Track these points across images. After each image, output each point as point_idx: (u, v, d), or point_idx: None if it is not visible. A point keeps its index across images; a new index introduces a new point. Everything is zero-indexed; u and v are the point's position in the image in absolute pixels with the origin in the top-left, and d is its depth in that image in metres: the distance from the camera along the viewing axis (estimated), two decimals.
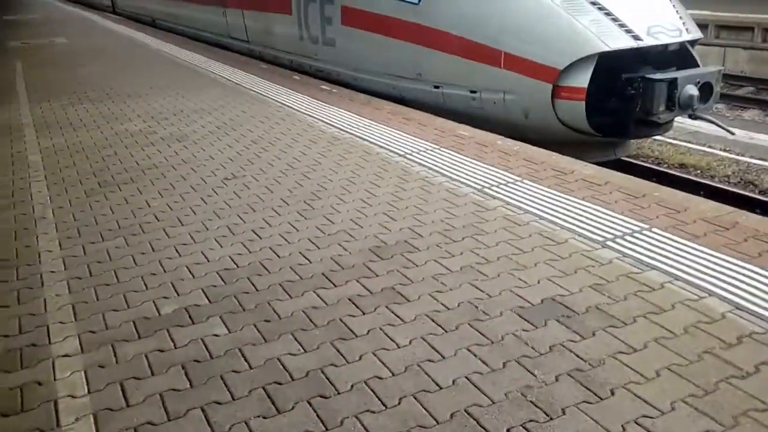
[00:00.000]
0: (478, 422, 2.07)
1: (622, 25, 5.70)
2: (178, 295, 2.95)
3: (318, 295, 2.88)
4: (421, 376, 2.31)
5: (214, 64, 9.70)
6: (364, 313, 2.72)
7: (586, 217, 3.59)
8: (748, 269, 2.95)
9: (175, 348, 2.55)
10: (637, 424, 2.03)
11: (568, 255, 3.16)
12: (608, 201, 3.82)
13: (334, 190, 4.17)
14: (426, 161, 4.68)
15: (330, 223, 3.65)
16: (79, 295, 2.98)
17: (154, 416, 2.17)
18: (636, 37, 5.66)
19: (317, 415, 2.14)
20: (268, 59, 10.26)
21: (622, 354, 2.38)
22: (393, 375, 2.32)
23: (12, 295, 3.02)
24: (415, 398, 2.20)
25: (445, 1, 6.56)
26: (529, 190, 4.05)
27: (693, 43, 6.26)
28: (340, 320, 2.68)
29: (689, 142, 7.91)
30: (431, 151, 4.93)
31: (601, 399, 2.15)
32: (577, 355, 2.38)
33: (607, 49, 5.54)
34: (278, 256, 3.29)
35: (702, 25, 9.16)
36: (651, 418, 2.06)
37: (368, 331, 2.60)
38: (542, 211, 3.70)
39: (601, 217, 3.58)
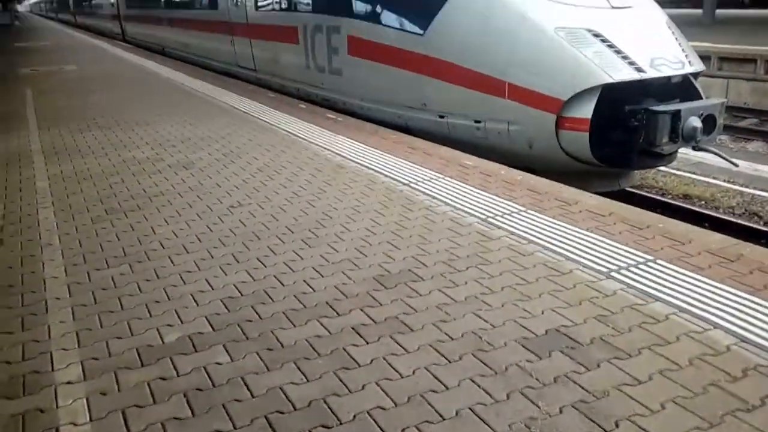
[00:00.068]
0: None
1: (625, 57, 5.76)
2: (182, 322, 2.95)
3: (321, 324, 2.88)
4: (424, 406, 2.29)
5: (222, 92, 9.82)
6: (367, 343, 2.72)
7: (591, 248, 3.59)
8: (754, 301, 2.94)
9: (178, 376, 2.54)
10: None
11: (572, 286, 3.16)
12: (612, 232, 3.82)
13: (339, 219, 4.19)
14: (430, 190, 4.70)
15: (334, 252, 3.66)
16: (83, 322, 2.98)
17: None
18: (639, 69, 5.72)
19: None
20: (275, 88, 10.39)
21: (626, 386, 2.37)
22: (396, 405, 2.31)
23: (16, 321, 3.03)
24: (418, 429, 2.18)
25: (449, 32, 6.65)
26: (533, 220, 4.06)
27: (696, 75, 6.31)
28: (344, 349, 2.67)
29: (693, 173, 7.92)
30: (436, 180, 4.96)
31: (606, 431, 2.14)
32: (582, 387, 2.37)
33: (610, 80, 5.59)
34: (282, 284, 3.30)
35: (704, 57, 9.23)
36: None
37: (371, 360, 2.59)
38: (546, 241, 3.71)
39: (605, 248, 3.59)
